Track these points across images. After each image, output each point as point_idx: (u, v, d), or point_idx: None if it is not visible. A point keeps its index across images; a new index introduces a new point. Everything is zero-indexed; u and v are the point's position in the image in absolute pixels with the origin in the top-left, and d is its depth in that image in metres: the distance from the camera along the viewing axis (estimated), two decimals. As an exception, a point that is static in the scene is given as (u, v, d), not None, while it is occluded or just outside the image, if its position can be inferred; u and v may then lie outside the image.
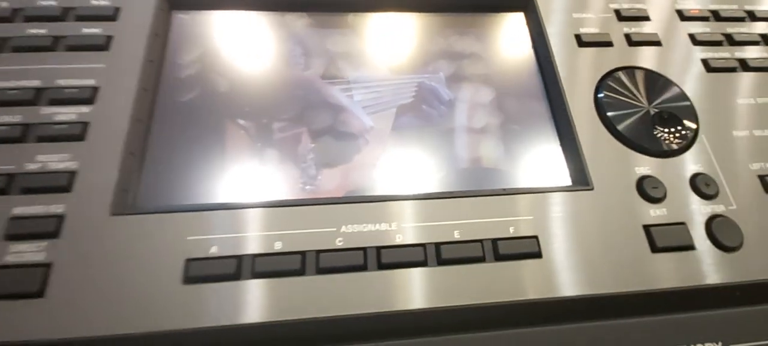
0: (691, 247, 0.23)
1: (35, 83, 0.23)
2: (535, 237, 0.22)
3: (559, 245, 0.22)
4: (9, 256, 0.19)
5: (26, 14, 0.25)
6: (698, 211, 0.24)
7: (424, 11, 0.30)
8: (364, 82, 0.27)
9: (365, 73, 0.27)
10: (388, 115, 0.26)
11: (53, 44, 0.24)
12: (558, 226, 0.23)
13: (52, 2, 0.26)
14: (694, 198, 0.24)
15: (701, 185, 0.24)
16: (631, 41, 0.29)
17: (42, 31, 0.25)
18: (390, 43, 0.29)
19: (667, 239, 0.23)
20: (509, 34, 0.30)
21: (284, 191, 0.23)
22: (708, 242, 0.23)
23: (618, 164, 0.25)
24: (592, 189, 0.24)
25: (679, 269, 0.22)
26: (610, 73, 0.28)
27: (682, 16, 0.31)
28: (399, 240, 0.21)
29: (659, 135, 0.26)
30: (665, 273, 0.22)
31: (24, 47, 0.24)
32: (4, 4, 0.26)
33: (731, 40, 0.30)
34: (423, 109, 0.27)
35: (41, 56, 0.24)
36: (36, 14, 0.25)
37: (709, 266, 0.22)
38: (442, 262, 0.21)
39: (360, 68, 0.27)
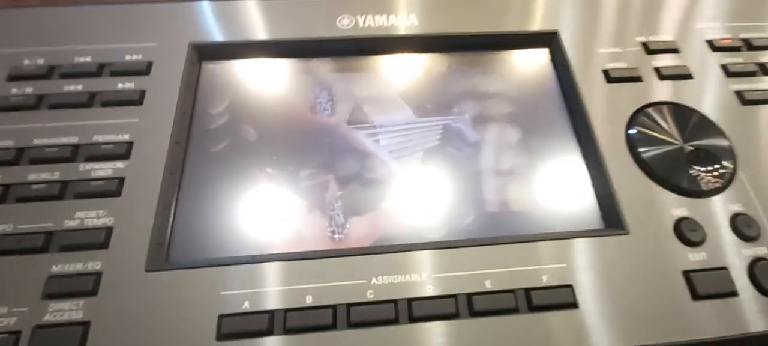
0: (733, 293, 0.22)
1: (73, 140, 0.24)
2: (570, 286, 0.21)
3: (595, 294, 0.21)
4: (48, 315, 0.20)
5: (63, 71, 0.26)
6: (740, 254, 0.23)
7: (447, 52, 0.30)
8: (389, 127, 0.27)
9: (391, 117, 0.27)
10: (415, 159, 0.26)
11: (89, 100, 0.25)
12: (593, 274, 0.22)
13: (88, 59, 0.27)
14: (735, 240, 0.23)
15: (742, 226, 0.23)
16: (662, 75, 0.29)
17: (78, 88, 0.26)
18: (414, 85, 0.29)
19: (709, 286, 0.22)
20: (534, 71, 0.30)
21: (314, 241, 0.23)
22: (751, 288, 0.22)
23: (653, 206, 0.24)
24: (627, 233, 0.23)
25: (722, 317, 0.21)
26: (641, 110, 0.27)
27: (713, 46, 0.30)
28: (430, 291, 0.21)
29: (695, 174, 0.25)
30: (708, 322, 0.21)
31: (61, 104, 0.25)
32: (41, 62, 0.27)
33: (766, 71, 0.29)
34: (449, 152, 0.26)
35: (77, 113, 0.25)
36: (72, 71, 0.26)
37: (753, 313, 0.21)
38: (474, 313, 0.21)
39: (385, 112, 0.28)
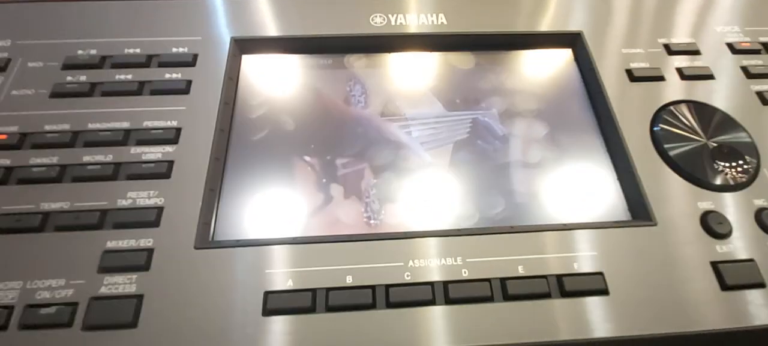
0: (761, 284, 0.22)
1: (124, 125, 0.25)
2: (601, 273, 0.22)
3: (625, 282, 0.22)
4: (103, 288, 0.21)
5: (114, 62, 0.28)
6: (766, 247, 0.23)
7: (475, 50, 0.31)
8: (421, 119, 0.28)
9: (422, 111, 0.29)
10: (446, 151, 0.27)
11: (139, 89, 0.27)
12: (623, 262, 0.23)
13: (137, 50, 0.28)
14: (761, 234, 0.24)
15: (767, 220, 0.24)
16: (684, 75, 0.29)
17: (128, 77, 0.27)
18: (443, 80, 0.30)
19: (737, 277, 0.22)
20: (558, 70, 0.31)
21: (351, 225, 0.24)
22: (780, 279, 0.23)
23: (680, 199, 0.25)
24: (655, 225, 0.24)
25: (752, 308, 0.22)
26: (664, 107, 0.28)
27: (733, 49, 0.31)
28: (465, 275, 0.22)
29: (720, 169, 0.26)
30: (737, 312, 0.22)
31: (113, 92, 0.27)
32: (93, 52, 0.28)
33: (786, 73, 0.30)
34: (478, 145, 0.27)
35: (128, 100, 0.26)
36: (123, 62, 0.28)
37: (782, 305, 0.22)
38: (508, 297, 0.21)
39: (416, 105, 0.29)
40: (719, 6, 0.34)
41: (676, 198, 0.25)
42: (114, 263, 0.21)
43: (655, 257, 0.23)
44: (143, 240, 0.22)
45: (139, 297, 0.21)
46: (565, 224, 0.24)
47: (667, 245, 0.23)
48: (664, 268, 0.23)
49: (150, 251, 0.22)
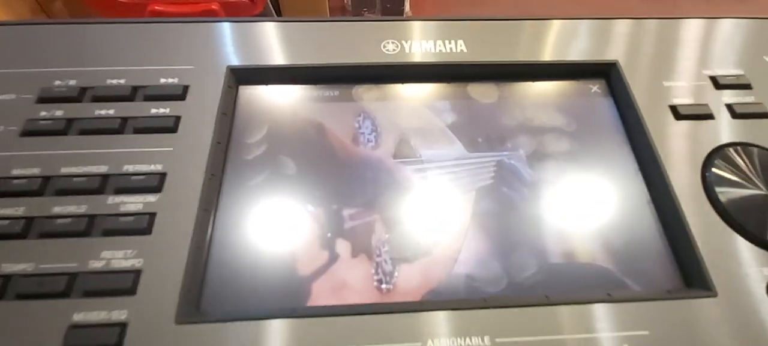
0: None
1: (102, 169, 0.22)
2: (656, 358, 0.19)
3: (684, 368, 0.19)
4: (67, 371, 0.18)
5: (95, 94, 0.25)
6: None
7: (498, 81, 0.28)
8: (439, 162, 0.25)
9: (440, 151, 0.25)
10: (468, 200, 0.24)
11: (121, 126, 0.23)
12: (680, 343, 0.19)
13: (122, 81, 0.25)
14: (840, 305, 0.20)
15: None
16: (735, 113, 0.26)
17: (110, 112, 0.24)
18: (464, 116, 0.27)
19: (817, 361, 0.19)
20: (591, 104, 0.28)
21: (358, 291, 0.21)
22: None
23: (742, 263, 0.21)
24: (715, 295, 0.20)
25: (834, 399, 0.18)
26: (717, 151, 0.25)
27: (790, 83, 0.28)
28: (494, 359, 0.19)
29: (787, 227, 0.22)
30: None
31: (91, 130, 0.23)
32: (72, 83, 0.25)
33: None
34: (504, 192, 0.24)
35: (109, 140, 0.23)
36: (105, 94, 0.25)
37: None
38: (546, 388, 0.18)
39: (434, 146, 0.25)
40: (765, 32, 0.31)
41: (738, 262, 0.21)
42: (80, 341, 0.18)
43: (719, 338, 0.19)
44: (116, 312, 0.19)
45: (107, 385, 0.17)
46: (609, 295, 0.21)
47: (731, 321, 0.20)
48: (730, 351, 0.19)
49: (123, 326, 0.18)
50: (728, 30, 0.31)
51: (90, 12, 0.79)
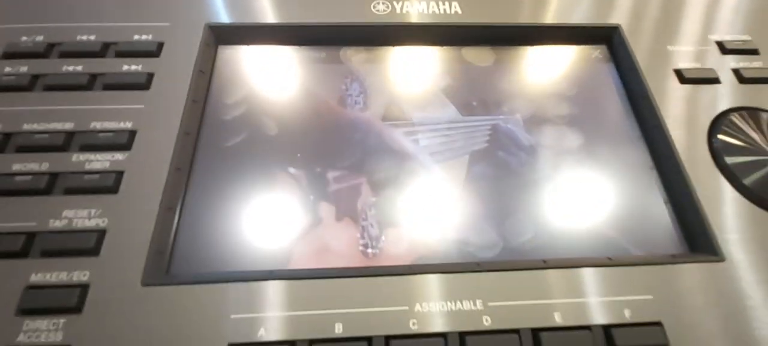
0: None
1: (67, 126, 0.21)
2: (659, 324, 0.17)
3: (690, 336, 0.17)
4: (21, 335, 0.16)
5: (63, 50, 0.23)
6: None
7: (494, 44, 0.27)
8: (430, 125, 0.23)
9: (432, 115, 0.24)
10: (460, 164, 0.22)
11: (89, 83, 0.22)
12: (686, 309, 0.18)
13: (92, 37, 0.24)
14: None
15: None
16: (743, 78, 0.25)
17: (78, 68, 0.23)
18: (458, 79, 0.26)
19: (830, 329, 0.18)
20: (592, 69, 0.26)
21: (343, 256, 0.19)
22: None
23: (751, 228, 0.20)
24: (722, 260, 0.19)
25: None
26: (724, 115, 0.23)
27: (798, 47, 0.26)
28: (487, 324, 0.17)
29: (797, 192, 0.21)
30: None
31: (58, 86, 0.22)
32: (40, 39, 0.24)
33: None
34: (499, 156, 0.23)
35: (76, 96, 0.22)
36: (74, 50, 0.23)
37: None
38: (542, 354, 0.17)
39: (426, 109, 0.24)
40: (773, -1, 0.30)
41: (747, 227, 0.20)
42: (37, 302, 0.16)
43: (727, 304, 0.18)
44: (77, 273, 0.17)
45: (64, 349, 0.16)
46: (610, 259, 0.19)
47: (739, 287, 0.18)
48: (736, 316, 0.18)
49: (84, 288, 0.17)
50: (734, -4, 0.30)
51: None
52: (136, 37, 0.24)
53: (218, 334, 0.16)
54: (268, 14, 0.26)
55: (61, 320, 0.16)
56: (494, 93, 0.25)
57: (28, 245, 0.18)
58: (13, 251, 0.17)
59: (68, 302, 0.16)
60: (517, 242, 0.20)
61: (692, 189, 0.21)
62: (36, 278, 0.17)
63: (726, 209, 0.21)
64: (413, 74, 0.26)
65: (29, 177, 0.19)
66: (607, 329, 0.17)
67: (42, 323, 0.16)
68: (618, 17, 0.28)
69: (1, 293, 0.17)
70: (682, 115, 0.23)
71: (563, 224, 0.21)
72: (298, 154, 0.22)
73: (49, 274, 0.17)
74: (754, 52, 0.26)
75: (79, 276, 0.17)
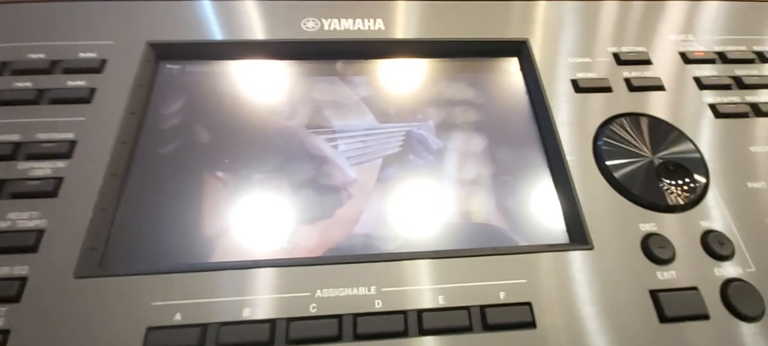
0: (705, 316, 0.20)
1: (14, 138, 0.23)
2: (529, 304, 0.20)
3: (555, 313, 0.20)
4: (-34, 323, 0.19)
5: (14, 67, 0.25)
6: (712, 274, 0.22)
7: (414, 57, 0.30)
8: (350, 132, 0.26)
9: (352, 122, 0.26)
10: (373, 166, 0.25)
11: (37, 98, 0.24)
12: (554, 291, 0.21)
13: (41, 55, 0.26)
14: (707, 259, 0.22)
15: (714, 244, 0.22)
16: (632, 86, 0.28)
17: (27, 85, 0.25)
18: (378, 90, 0.28)
19: (678, 307, 0.20)
20: (503, 80, 0.29)
21: (259, 250, 0.22)
22: (724, 310, 0.21)
23: (620, 220, 0.23)
24: (591, 248, 0.22)
25: (692, 343, 0.20)
26: (609, 120, 0.26)
27: (686, 59, 0.29)
28: (378, 306, 0.20)
29: (665, 188, 0.24)
30: (676, 346, 0.20)
31: (8, 101, 0.24)
32: (-6, 57, 0.26)
33: (741, 84, 0.28)
34: (410, 159, 0.25)
35: (24, 110, 0.24)
36: (24, 67, 0.25)
37: (725, 339, 0.20)
38: (423, 332, 0.19)
39: (347, 117, 0.27)
40: (673, 14, 0.32)
41: (616, 219, 0.23)
42: (-20, 294, 0.19)
43: (590, 286, 0.21)
44: (17, 268, 0.20)
45: (4, 333, 0.18)
46: (494, 248, 0.22)
47: (603, 271, 0.21)
48: (599, 298, 0.21)
49: (23, 280, 0.19)
50: (637, 11, 0.33)
51: None
52: (82, 54, 0.26)
53: (140, 319, 0.19)
54: (206, 32, 0.28)
55: (3, 309, 0.19)
56: (410, 102, 0.28)
57: (-25, 244, 0.20)
58: (-40, 249, 0.20)
59: (8, 292, 0.19)
60: (417, 237, 0.23)
61: (573, 187, 0.24)
62: (-20, 272, 0.19)
63: (602, 204, 0.23)
64: (337, 85, 0.28)
65: (-23, 184, 0.21)
66: (482, 308, 0.20)
67: (-16, 312, 0.19)
68: (529, 32, 0.30)
69: (-53, 286, 0.19)
70: (574, 121, 0.26)
71: (461, 220, 0.24)
72: (226, 160, 0.24)
73: (-8, 269, 0.20)
74: (646, 62, 0.29)
75: (19, 270, 0.20)
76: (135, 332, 0.18)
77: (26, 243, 0.20)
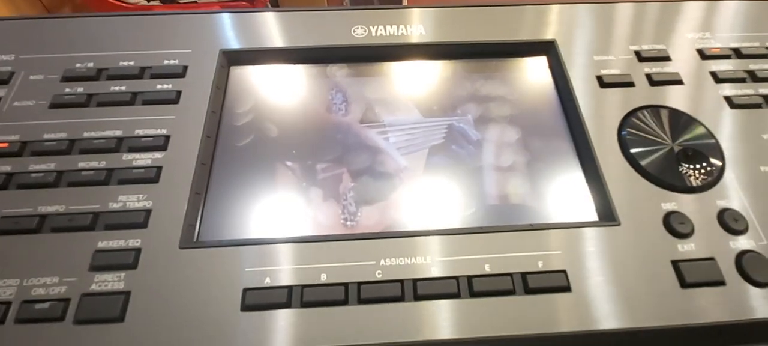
0: (721, 282, 0.23)
1: (117, 133, 0.27)
2: (564, 271, 0.23)
3: (587, 280, 0.23)
4: (94, 285, 0.22)
5: (109, 74, 0.30)
6: (727, 246, 0.24)
7: (453, 59, 0.33)
8: (398, 126, 0.30)
9: (399, 117, 0.30)
10: (421, 156, 0.28)
11: (132, 99, 0.28)
12: (586, 260, 0.24)
13: (131, 63, 0.30)
14: (723, 234, 0.25)
15: (729, 221, 0.25)
16: (653, 81, 0.31)
17: (122, 88, 0.29)
18: (421, 88, 0.32)
19: (697, 275, 0.23)
20: (533, 77, 0.32)
21: (328, 227, 0.26)
22: (738, 277, 0.23)
23: (644, 200, 0.26)
24: (618, 225, 0.25)
25: (710, 305, 0.23)
26: (632, 112, 0.29)
27: (703, 55, 0.32)
28: (434, 273, 0.23)
29: (684, 171, 0.26)
30: (695, 308, 0.23)
31: (108, 102, 0.28)
32: (90, 65, 0.30)
33: (754, 77, 0.31)
34: (453, 149, 0.29)
35: (122, 110, 0.28)
36: (117, 73, 0.29)
37: (740, 302, 0.23)
38: (473, 294, 0.23)
39: (395, 112, 0.30)
40: (690, 13, 0.35)
41: (640, 199, 0.26)
42: (104, 261, 0.23)
43: (618, 256, 0.24)
44: (132, 241, 0.24)
45: (126, 294, 0.22)
46: (532, 225, 0.25)
47: (629, 244, 0.24)
48: (625, 266, 0.24)
49: (137, 251, 0.23)
50: (659, 11, 0.35)
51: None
52: (166, 62, 0.30)
53: (236, 282, 0.23)
54: (270, 40, 0.32)
55: (122, 274, 0.23)
56: (451, 98, 0.31)
57: (95, 222, 0.24)
58: (84, 225, 0.24)
59: (127, 260, 0.23)
60: (464, 215, 0.26)
61: (600, 172, 0.27)
62: (102, 244, 0.23)
63: (627, 186, 0.26)
64: (386, 85, 0.32)
65: (92, 172, 0.25)
66: (523, 275, 0.23)
67: (108, 276, 0.23)
68: (556, 33, 0.33)
69: (77, 256, 0.23)
70: (600, 113, 0.29)
71: (499, 201, 0.27)
72: (294, 151, 0.28)
73: (111, 242, 0.23)
74: (666, 58, 0.32)
75: (133, 243, 0.23)
76: (234, 292, 0.22)
77: (137, 221, 0.24)
